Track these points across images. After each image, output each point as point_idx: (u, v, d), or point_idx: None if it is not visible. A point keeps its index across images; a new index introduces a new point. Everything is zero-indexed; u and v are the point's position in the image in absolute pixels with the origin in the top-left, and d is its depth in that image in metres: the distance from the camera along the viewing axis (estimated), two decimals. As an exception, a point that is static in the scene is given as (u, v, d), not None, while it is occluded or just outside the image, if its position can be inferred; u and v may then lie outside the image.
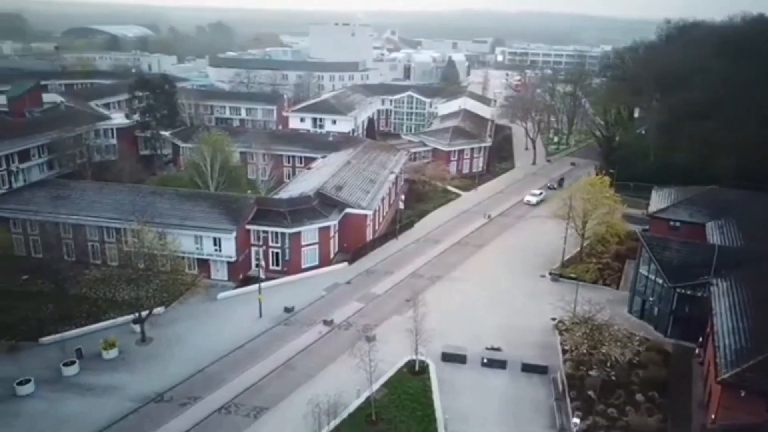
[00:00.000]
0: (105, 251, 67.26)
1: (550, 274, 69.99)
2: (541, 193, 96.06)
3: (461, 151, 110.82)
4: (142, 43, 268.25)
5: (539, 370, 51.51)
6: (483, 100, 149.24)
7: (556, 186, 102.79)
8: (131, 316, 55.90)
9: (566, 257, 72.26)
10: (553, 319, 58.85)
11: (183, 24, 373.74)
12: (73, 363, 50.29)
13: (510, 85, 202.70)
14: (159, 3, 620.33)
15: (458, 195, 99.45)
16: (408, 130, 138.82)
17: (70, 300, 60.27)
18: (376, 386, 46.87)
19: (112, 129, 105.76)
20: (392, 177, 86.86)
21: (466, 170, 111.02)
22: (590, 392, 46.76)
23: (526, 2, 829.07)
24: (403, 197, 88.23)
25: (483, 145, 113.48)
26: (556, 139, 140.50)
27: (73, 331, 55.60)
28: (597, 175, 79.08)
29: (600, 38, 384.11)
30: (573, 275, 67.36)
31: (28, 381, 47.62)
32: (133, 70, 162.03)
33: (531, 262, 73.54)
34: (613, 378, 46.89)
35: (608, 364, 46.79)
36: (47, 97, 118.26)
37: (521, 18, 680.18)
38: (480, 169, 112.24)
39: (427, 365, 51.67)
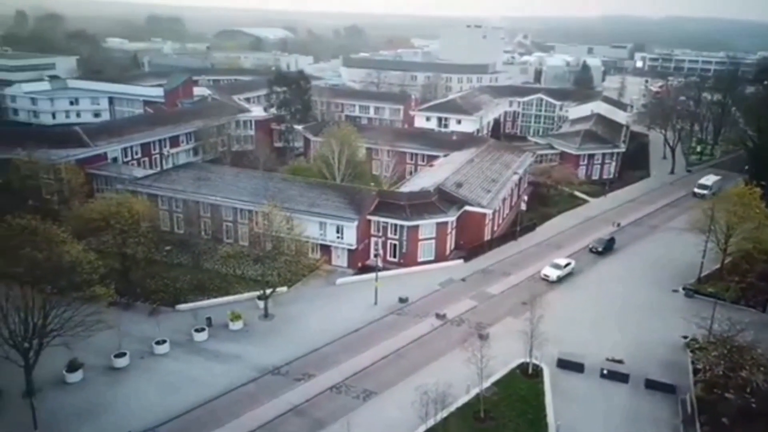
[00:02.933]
0: (237, 231, 71.90)
1: (684, 289, 64.76)
2: (567, 264, 68.45)
3: (591, 156, 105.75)
4: (282, 44, 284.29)
5: (665, 388, 47.84)
6: (618, 105, 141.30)
7: (600, 249, 74.45)
8: (256, 293, 59.47)
9: (704, 273, 66.45)
10: (685, 337, 54.48)
11: (320, 27, 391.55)
12: (203, 330, 54.34)
13: (649, 92, 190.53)
14: (300, 8, 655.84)
15: (585, 201, 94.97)
16: (535, 133, 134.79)
17: (204, 273, 65.27)
18: (486, 384, 45.96)
19: (250, 121, 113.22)
20: (515, 178, 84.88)
21: (595, 176, 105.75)
22: (724, 419, 42.65)
23: (670, 7, 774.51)
24: (526, 198, 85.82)
25: (616, 150, 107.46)
26: (698, 149, 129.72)
27: (204, 301, 60.06)
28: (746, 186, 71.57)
29: (755, 44, 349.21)
30: (711, 291, 61.77)
31: (164, 342, 52.16)
32: (273, 69, 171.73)
33: (662, 276, 68.60)
34: (753, 405, 42.35)
35: (748, 390, 42.42)
36: (197, 91, 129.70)
37: (665, 23, 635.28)
38: (611, 176, 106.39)
39: (541, 369, 49.93)
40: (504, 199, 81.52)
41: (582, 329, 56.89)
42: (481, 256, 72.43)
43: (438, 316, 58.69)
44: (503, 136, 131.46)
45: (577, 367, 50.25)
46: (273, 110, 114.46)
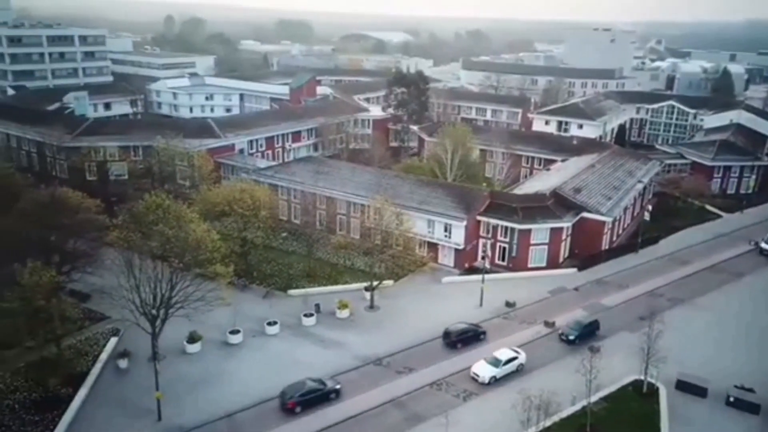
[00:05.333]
0: (350, 223, 73.65)
1: (833, 319, 57.61)
2: (511, 360, 48.79)
3: (727, 168, 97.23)
4: (404, 47, 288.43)
5: (803, 425, 42.77)
6: (763, 115, 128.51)
7: (573, 337, 53.35)
8: (364, 284, 60.68)
9: None
10: (831, 371, 48.39)
11: (443, 31, 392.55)
12: (311, 315, 56.24)
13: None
14: (425, 13, 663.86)
15: (718, 215, 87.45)
16: (664, 142, 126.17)
17: (316, 262, 67.49)
18: (594, 398, 43.71)
19: (368, 120, 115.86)
20: (639, 186, 79.83)
21: (731, 190, 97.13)
22: None
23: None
24: (650, 208, 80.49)
25: (757, 163, 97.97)
26: None
27: (314, 288, 62.16)
28: None
29: None
30: None
31: (275, 323, 54.58)
32: (393, 70, 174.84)
33: (806, 302, 61.55)
34: None
35: None
36: (320, 90, 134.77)
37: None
38: (750, 191, 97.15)
39: (657, 389, 46.57)
40: (626, 208, 77.07)
41: (707, 351, 52.60)
42: (597, 266, 68.85)
43: (546, 323, 56.60)
44: (628, 143, 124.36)
45: (698, 391, 46.32)
46: (390, 110, 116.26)
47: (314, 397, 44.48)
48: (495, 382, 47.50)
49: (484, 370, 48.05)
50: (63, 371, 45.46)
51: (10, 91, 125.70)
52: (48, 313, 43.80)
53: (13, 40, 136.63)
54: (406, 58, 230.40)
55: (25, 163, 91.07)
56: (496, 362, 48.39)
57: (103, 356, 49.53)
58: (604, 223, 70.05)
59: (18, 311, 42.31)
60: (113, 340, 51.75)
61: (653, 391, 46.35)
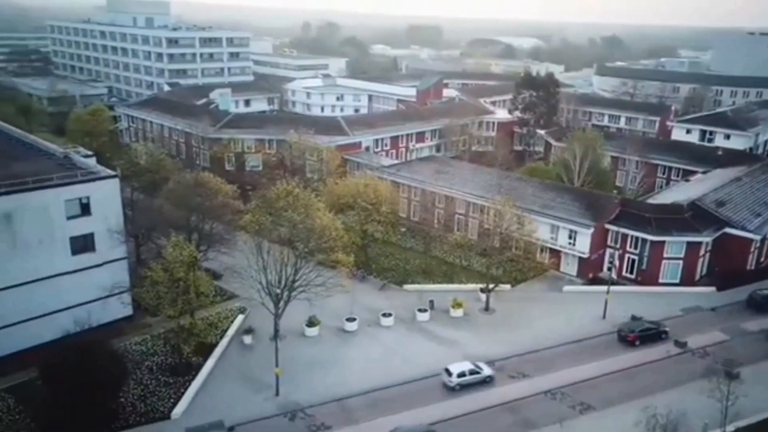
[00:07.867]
0: (468, 223, 72.86)
1: None
2: None
3: None
4: (534, 53, 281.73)
5: None
6: None
7: None
8: (479, 285, 59.82)
9: None
10: None
11: (576, 37, 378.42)
12: (425, 311, 56.39)
13: None
14: (556, 19, 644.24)
15: None
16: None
17: (432, 259, 67.70)
18: (730, 427, 39.86)
19: (493, 122, 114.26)
20: (796, 204, 71.68)
21: None
22: None
23: None
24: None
25: None
26: None
27: (429, 285, 62.30)
28: None
29: None
30: None
31: (390, 315, 55.42)
32: (521, 75, 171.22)
33: None
34: None
35: None
36: (446, 92, 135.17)
37: None
38: None
39: (808, 427, 41.51)
40: (778, 227, 69.50)
41: None
42: (740, 287, 62.45)
43: (677, 343, 52.52)
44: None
45: None
46: (517, 113, 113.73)
47: (649, 335, 52.67)
48: None
49: None
50: (195, 341, 49.06)
51: (166, 88, 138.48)
52: (186, 286, 47.46)
53: (171, 42, 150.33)
54: (536, 63, 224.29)
55: (174, 151, 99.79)
56: None
57: (231, 331, 52.98)
58: (751, 240, 63.80)
59: (161, 281, 46.26)
60: (240, 317, 55.20)
61: (803, 430, 41.48)
